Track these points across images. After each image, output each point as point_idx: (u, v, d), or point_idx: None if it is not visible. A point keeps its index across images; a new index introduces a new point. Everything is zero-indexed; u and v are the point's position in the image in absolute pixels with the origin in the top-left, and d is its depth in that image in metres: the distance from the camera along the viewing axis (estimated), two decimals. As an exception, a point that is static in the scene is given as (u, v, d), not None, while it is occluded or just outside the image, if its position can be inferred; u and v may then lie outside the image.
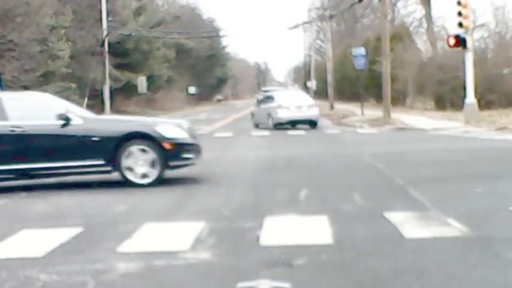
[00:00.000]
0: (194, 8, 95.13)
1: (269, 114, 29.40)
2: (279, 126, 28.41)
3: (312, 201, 9.11)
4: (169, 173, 11.49)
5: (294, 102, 29.08)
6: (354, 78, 47.52)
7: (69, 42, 40.23)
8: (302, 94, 35.87)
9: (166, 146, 11.23)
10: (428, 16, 52.45)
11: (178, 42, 72.17)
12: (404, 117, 31.61)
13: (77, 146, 11.24)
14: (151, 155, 11.19)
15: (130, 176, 11.19)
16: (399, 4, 65.28)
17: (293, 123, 28.71)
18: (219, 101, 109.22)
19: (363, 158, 14.91)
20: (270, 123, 29.11)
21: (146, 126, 11.58)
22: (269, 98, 31.40)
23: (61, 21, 39.32)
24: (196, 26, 79.04)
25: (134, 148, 11.22)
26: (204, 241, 6.70)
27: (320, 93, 71.99)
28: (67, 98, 42.50)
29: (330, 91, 52.94)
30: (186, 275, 5.61)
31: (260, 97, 37.88)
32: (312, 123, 28.80)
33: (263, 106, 31.24)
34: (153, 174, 11.21)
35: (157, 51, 60.67)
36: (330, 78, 54.10)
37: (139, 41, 54.22)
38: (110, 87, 44.67)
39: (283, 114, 28.59)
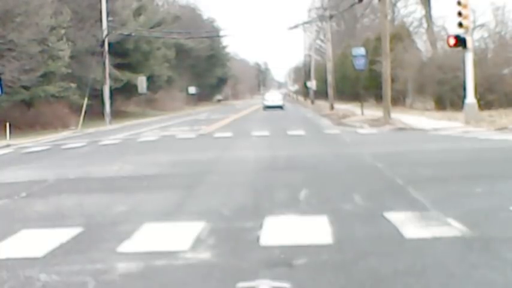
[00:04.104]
0: (194, 8, 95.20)
1: (262, 103, 65.66)
2: (265, 108, 60.30)
3: (312, 201, 9.09)
4: (169, 171, 11.47)
5: (271, 98, 65.36)
6: (354, 78, 47.52)
7: (69, 42, 40.19)
8: (278, 93, 74.30)
9: None
10: (428, 16, 52.42)
11: (178, 42, 72.17)
12: (404, 117, 31.59)
13: None
14: None
15: None
16: (399, 4, 65.37)
17: (270, 107, 60.58)
18: (219, 101, 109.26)
19: (363, 158, 14.89)
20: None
21: None
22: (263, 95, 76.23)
23: (61, 21, 39.29)
24: (196, 26, 79.05)
25: None
26: (204, 241, 6.70)
27: (320, 93, 71.99)
28: (67, 98, 42.53)
29: (330, 91, 52.91)
30: (186, 275, 5.60)
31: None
32: (279, 107, 60.75)
33: (262, 99, 70.00)
34: None
35: (157, 51, 60.66)
36: (330, 78, 54.08)
37: (139, 41, 54.22)
38: (110, 87, 44.67)
39: (265, 103, 63.12)
